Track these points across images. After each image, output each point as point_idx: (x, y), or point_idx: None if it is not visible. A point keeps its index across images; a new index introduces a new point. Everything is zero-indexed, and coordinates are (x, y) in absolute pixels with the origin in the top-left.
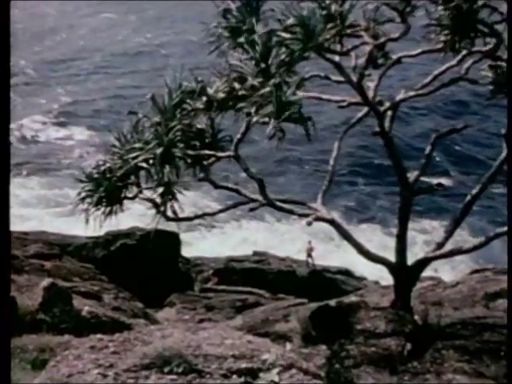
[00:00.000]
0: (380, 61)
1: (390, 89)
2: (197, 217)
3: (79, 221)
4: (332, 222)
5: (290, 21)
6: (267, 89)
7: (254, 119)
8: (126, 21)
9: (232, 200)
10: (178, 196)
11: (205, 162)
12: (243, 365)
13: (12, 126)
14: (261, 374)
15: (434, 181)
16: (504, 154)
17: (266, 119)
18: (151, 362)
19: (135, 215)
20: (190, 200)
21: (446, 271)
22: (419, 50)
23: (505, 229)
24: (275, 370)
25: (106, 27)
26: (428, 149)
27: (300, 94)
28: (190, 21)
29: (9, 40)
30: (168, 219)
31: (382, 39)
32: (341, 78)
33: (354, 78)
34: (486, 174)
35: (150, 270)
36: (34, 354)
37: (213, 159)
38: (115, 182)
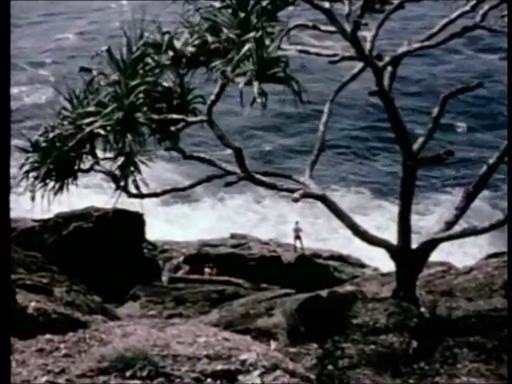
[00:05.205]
0: (378, 6)
1: None
2: (164, 192)
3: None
4: (322, 199)
5: None
6: (247, 45)
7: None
8: None
9: None
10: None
11: (172, 128)
12: (219, 366)
13: None
14: (240, 377)
15: None
16: None
17: (244, 79)
18: (110, 364)
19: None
20: None
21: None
22: None
23: None
24: (256, 372)
25: None
26: (436, 111)
27: (286, 48)
28: None
29: (9, 38)
30: (130, 195)
31: None
32: (332, 28)
33: (348, 28)
34: (505, 142)
35: (109, 257)
36: None
37: (182, 124)
38: (67, 152)
